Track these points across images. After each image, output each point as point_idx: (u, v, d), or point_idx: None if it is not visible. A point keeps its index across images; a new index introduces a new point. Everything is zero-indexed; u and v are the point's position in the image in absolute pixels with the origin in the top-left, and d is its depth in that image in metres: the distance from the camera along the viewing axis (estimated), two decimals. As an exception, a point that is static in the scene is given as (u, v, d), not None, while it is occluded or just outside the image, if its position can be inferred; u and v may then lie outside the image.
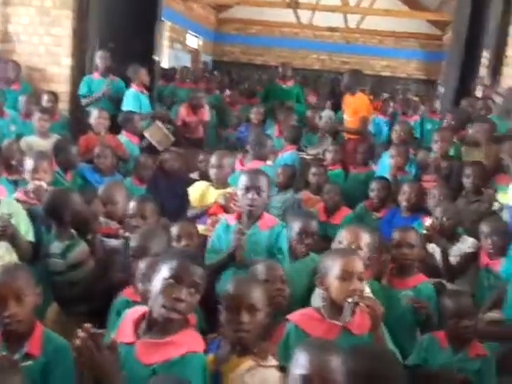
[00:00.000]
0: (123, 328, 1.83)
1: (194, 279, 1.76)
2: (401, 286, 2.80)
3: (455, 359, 2.44)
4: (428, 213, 3.75)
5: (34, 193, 3.32)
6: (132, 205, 3.05)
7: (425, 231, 3.36)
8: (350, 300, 2.01)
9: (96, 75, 5.90)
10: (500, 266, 3.18)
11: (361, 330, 2.07)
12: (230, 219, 2.87)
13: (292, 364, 1.49)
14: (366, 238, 2.61)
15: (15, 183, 3.78)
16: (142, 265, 2.25)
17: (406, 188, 3.95)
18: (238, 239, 2.63)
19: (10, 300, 1.89)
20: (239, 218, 2.84)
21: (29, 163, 3.49)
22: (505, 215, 3.62)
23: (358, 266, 2.10)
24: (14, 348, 1.87)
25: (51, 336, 1.95)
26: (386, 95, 8.43)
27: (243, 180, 2.79)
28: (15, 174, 3.89)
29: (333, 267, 2.10)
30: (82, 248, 2.94)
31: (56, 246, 2.91)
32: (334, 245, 2.66)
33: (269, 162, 4.73)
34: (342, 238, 2.63)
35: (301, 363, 1.46)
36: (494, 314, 3.07)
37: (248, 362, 1.84)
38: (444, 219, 3.46)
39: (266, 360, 1.85)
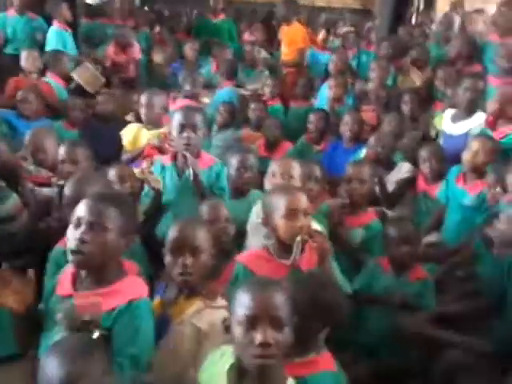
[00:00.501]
0: (62, 280, 1.76)
1: (100, 219, 1.66)
2: (352, 223, 2.81)
3: (397, 283, 2.52)
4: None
5: None
6: (62, 150, 2.88)
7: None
8: (298, 239, 2.00)
9: (12, 12, 5.42)
10: (437, 190, 3.27)
11: (309, 265, 2.08)
12: (166, 160, 2.77)
13: (235, 305, 1.47)
14: (297, 169, 2.54)
15: None
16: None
17: (347, 118, 3.94)
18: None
19: None
20: (175, 158, 2.75)
21: None
22: (441, 141, 3.70)
23: (303, 202, 2.07)
24: None
25: None
26: (320, 27, 8.22)
27: (177, 118, 2.70)
28: None
29: (277, 206, 2.07)
30: (13, 200, 2.78)
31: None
32: (268, 178, 2.60)
33: (205, 99, 4.59)
34: (274, 170, 2.56)
35: (244, 303, 1.44)
36: (431, 237, 3.19)
37: (196, 304, 1.81)
38: (379, 148, 3.50)
39: (214, 301, 1.83)
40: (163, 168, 2.75)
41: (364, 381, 2.30)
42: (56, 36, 5.30)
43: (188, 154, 2.62)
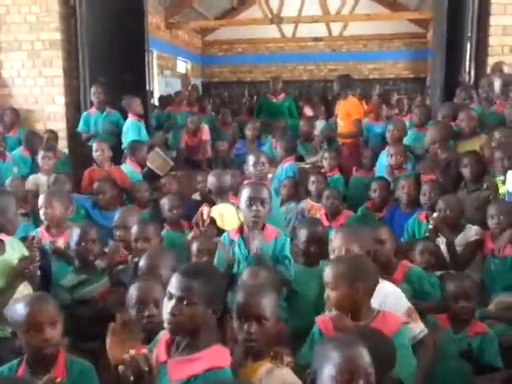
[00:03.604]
0: (158, 348, 1.85)
1: (188, 294, 1.75)
2: None
3: (455, 338, 2.53)
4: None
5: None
6: (134, 229, 3.12)
7: (431, 225, 3.41)
8: None
9: (93, 110, 6.02)
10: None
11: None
12: (233, 234, 2.87)
13: (319, 363, 1.57)
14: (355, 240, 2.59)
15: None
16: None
17: (402, 183, 4.03)
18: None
19: (46, 326, 2.00)
20: (241, 231, 2.85)
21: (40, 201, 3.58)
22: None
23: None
24: (39, 374, 1.94)
25: (74, 360, 2.04)
26: (375, 98, 8.48)
27: (246, 193, 2.79)
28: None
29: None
30: (98, 285, 3.00)
31: (67, 280, 2.98)
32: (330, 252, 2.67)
33: (268, 175, 4.80)
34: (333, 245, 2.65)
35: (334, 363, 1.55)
36: (506, 298, 3.10)
37: (265, 365, 1.87)
38: (447, 211, 3.49)
39: (282, 362, 1.88)
40: (232, 241, 2.84)
41: None
42: (131, 126, 5.76)
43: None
